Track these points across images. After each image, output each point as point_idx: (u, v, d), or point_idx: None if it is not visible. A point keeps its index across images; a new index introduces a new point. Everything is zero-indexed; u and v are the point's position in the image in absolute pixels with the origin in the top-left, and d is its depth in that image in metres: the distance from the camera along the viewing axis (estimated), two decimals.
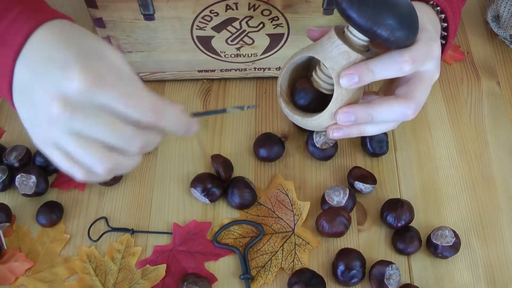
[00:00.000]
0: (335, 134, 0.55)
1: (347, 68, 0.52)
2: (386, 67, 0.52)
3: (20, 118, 0.45)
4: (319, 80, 0.55)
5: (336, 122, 0.55)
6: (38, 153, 0.70)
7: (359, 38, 0.52)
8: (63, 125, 0.41)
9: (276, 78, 0.66)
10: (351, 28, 0.53)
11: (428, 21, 0.56)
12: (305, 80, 0.57)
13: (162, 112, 0.44)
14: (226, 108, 0.55)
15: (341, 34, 0.54)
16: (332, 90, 0.54)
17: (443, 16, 0.59)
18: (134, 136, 0.43)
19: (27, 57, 0.43)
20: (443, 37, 0.61)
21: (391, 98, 0.54)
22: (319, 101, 0.55)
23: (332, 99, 0.53)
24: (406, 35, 0.50)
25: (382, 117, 0.54)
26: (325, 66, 0.53)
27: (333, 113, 0.54)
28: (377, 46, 0.56)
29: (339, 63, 0.52)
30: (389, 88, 0.59)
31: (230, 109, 0.57)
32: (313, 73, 0.56)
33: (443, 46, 0.61)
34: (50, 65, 0.41)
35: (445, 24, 0.60)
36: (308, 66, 0.58)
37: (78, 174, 0.44)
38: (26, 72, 0.43)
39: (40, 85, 0.41)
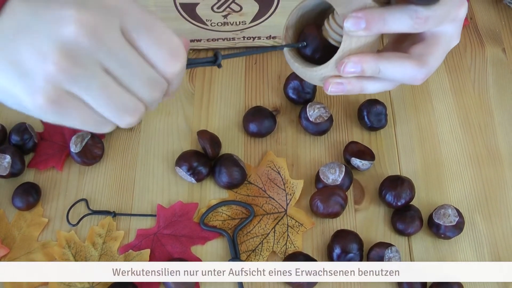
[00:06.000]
0: (332, 89, 0.50)
1: (355, 10, 0.47)
2: (398, 19, 0.47)
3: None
4: (329, 29, 0.50)
5: (337, 75, 0.50)
6: (14, 131, 0.68)
7: None
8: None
9: (267, 47, 0.65)
10: None
11: None
12: (314, 27, 0.52)
13: (182, 59, 0.42)
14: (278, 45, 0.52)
15: None
16: None
17: None
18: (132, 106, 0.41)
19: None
20: None
21: (404, 55, 0.50)
22: (326, 53, 0.51)
23: (339, 49, 0.48)
24: None
25: (389, 74, 0.50)
26: (337, 13, 0.48)
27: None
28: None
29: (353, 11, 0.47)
30: (400, 45, 0.54)
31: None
32: (325, 21, 0.51)
33: None
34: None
35: None
36: (323, 16, 0.54)
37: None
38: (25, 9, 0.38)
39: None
